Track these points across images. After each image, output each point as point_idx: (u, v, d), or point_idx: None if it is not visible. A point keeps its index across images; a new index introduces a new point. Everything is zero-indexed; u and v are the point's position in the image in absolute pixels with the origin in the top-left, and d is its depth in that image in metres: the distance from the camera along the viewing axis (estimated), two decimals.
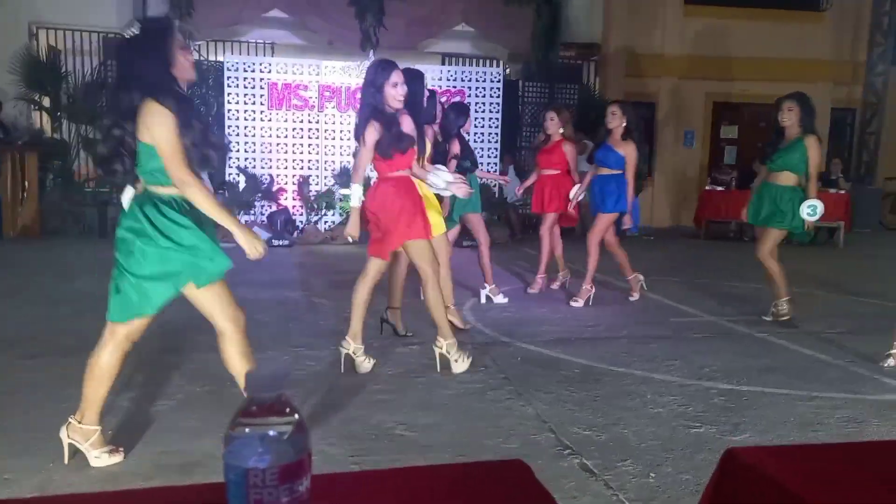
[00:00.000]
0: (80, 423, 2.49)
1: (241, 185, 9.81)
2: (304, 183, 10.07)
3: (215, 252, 2.51)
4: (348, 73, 10.16)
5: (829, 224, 10.30)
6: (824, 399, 3.39)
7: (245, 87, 9.88)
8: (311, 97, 10.07)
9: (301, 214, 10.07)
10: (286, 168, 10.12)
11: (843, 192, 10.82)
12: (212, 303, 2.56)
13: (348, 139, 10.24)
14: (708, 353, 4.20)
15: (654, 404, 3.28)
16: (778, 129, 4.96)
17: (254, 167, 9.96)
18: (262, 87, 9.92)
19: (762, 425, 3.04)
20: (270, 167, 10.06)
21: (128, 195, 2.45)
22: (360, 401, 3.28)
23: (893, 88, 13.36)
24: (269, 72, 9.95)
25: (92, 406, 2.50)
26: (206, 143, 2.38)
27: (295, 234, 9.61)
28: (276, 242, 9.07)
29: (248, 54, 10.72)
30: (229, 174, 9.86)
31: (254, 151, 9.99)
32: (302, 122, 10.10)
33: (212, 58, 10.71)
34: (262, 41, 10.98)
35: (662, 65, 12.66)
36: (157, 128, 2.27)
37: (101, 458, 2.51)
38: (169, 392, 3.37)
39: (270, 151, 10.06)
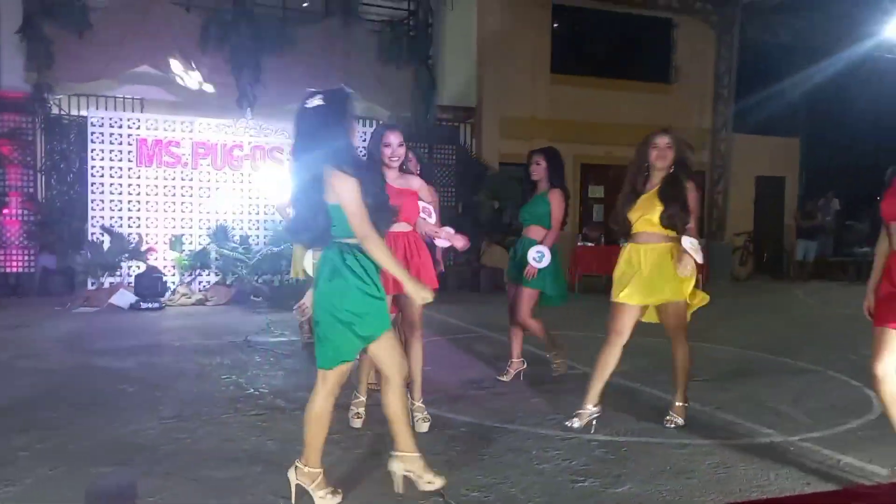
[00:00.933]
0: (305, 466, 2.74)
1: (106, 245, 9.21)
2: (176, 242, 9.61)
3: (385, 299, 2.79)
4: (224, 130, 9.93)
5: None
6: (695, 446, 3.56)
7: (111, 143, 9.40)
8: (183, 154, 9.72)
9: (173, 275, 9.57)
10: (156, 226, 9.64)
11: None
12: (385, 350, 2.77)
13: (223, 196, 9.93)
14: None
15: (539, 460, 3.31)
16: (530, 182, 4.92)
17: (120, 226, 9.40)
18: (129, 144, 9.47)
19: (642, 476, 3.14)
20: (139, 226, 9.54)
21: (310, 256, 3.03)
22: (236, 473, 3.08)
23: (736, 152, 14.76)
24: (139, 128, 9.54)
25: (313, 451, 2.75)
26: (378, 201, 2.71)
27: (166, 295, 9.09)
28: (144, 305, 8.53)
29: (116, 109, 10.24)
30: (92, 233, 9.25)
31: (120, 209, 9.45)
32: (174, 179, 9.70)
33: (75, 112, 10.12)
34: (130, 96, 10.53)
35: (534, 128, 13.32)
36: (345, 193, 2.59)
37: (325, 498, 2.74)
38: (12, 477, 3.01)
39: (139, 210, 9.55)
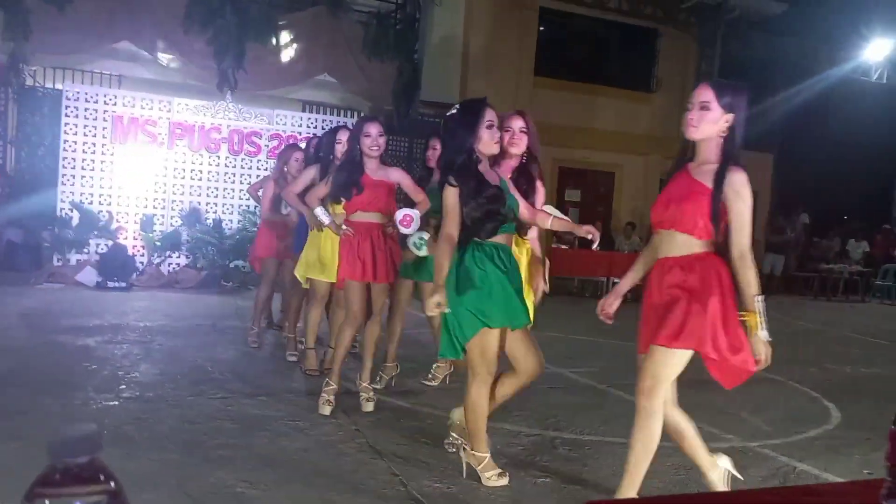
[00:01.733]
0: (471, 450, 2.94)
1: (75, 221, 9.04)
2: (147, 222, 9.47)
3: (508, 302, 2.81)
4: (202, 112, 9.80)
5: None
6: (658, 448, 3.59)
7: (86, 118, 9.22)
8: (160, 134, 9.58)
9: (142, 255, 9.43)
10: (128, 205, 9.49)
11: None
12: (514, 347, 2.92)
13: (198, 179, 9.82)
14: (554, 404, 4.35)
15: (503, 455, 3.33)
16: (427, 170, 4.58)
17: (90, 203, 9.23)
18: (105, 120, 9.31)
19: (603, 474, 3.17)
20: (110, 203, 9.38)
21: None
22: (198, 457, 3.05)
23: None
24: (115, 104, 9.37)
25: (474, 437, 2.93)
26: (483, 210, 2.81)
27: (134, 276, 8.95)
28: (110, 284, 8.39)
29: (93, 84, 10.05)
30: (61, 209, 9.07)
31: (91, 186, 9.28)
32: (149, 158, 9.55)
33: (50, 84, 9.91)
34: (108, 72, 10.34)
35: None
36: (445, 198, 2.80)
37: (491, 479, 2.91)
38: None
39: (111, 187, 9.39)
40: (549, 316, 9.42)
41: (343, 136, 4.17)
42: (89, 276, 8.60)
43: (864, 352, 7.46)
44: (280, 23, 10.73)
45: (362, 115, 11.70)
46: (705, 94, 2.42)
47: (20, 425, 3.29)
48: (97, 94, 9.38)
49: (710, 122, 2.42)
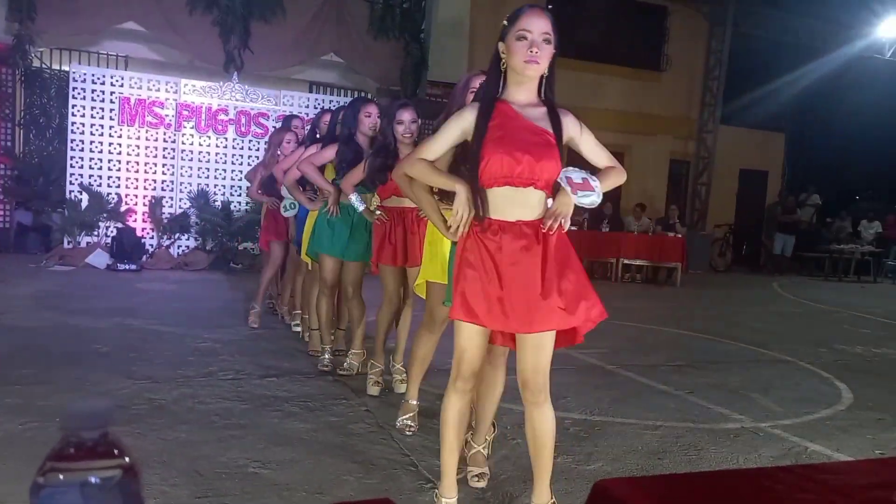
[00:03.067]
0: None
1: (84, 204, 9.06)
2: (155, 204, 9.49)
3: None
4: (209, 93, 9.77)
5: (668, 265, 11.22)
6: (667, 428, 3.60)
7: (93, 100, 9.21)
8: (167, 115, 9.56)
9: (151, 237, 9.45)
10: (136, 188, 9.50)
11: (679, 236, 11.79)
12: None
13: (206, 161, 9.81)
14: (563, 384, 4.34)
15: (513, 435, 3.33)
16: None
17: (99, 185, 9.25)
18: (112, 102, 9.29)
19: (613, 454, 3.17)
20: (119, 186, 9.39)
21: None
22: (208, 436, 3.06)
23: (722, 144, 14.85)
24: (122, 85, 9.35)
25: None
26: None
27: (144, 258, 8.98)
28: (121, 266, 8.43)
29: (99, 65, 10.03)
30: (70, 191, 9.09)
31: (100, 168, 9.29)
32: (156, 140, 9.55)
33: (56, 66, 9.90)
34: (114, 53, 10.31)
35: None
36: None
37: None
38: None
39: (119, 169, 9.40)
40: None
41: (373, 110, 3.98)
42: (100, 258, 8.64)
43: (875, 332, 7.42)
44: (285, 2, 10.64)
45: (366, 95, 11.69)
46: (545, 24, 2.14)
47: (32, 401, 3.31)
48: (104, 76, 9.37)
49: (548, 58, 2.16)
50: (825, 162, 19.36)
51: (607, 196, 2.41)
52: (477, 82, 2.88)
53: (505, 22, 2.20)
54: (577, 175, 2.24)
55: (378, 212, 3.80)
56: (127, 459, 0.59)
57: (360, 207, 3.91)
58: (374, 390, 3.87)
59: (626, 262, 11.29)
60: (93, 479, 0.58)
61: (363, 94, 11.62)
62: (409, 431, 3.27)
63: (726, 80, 14.64)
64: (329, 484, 2.64)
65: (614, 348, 5.47)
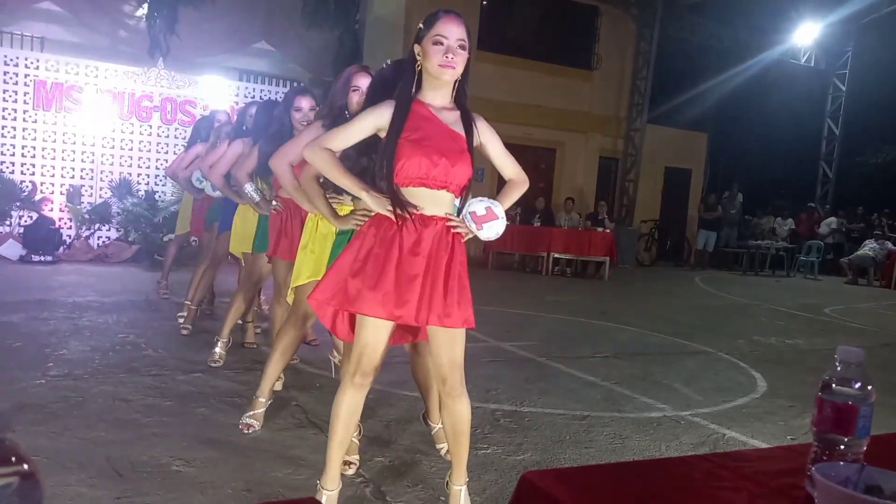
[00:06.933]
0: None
1: None
2: (74, 193, 9.06)
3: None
4: (133, 78, 9.39)
5: (597, 259, 11.50)
6: (594, 418, 3.69)
7: (5, 83, 8.71)
8: (86, 100, 9.13)
9: (69, 228, 9.03)
10: (53, 176, 9.05)
11: (608, 231, 12.09)
12: None
13: (129, 148, 9.44)
14: (494, 376, 4.40)
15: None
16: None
17: (12, 172, 8.77)
18: (26, 84, 8.81)
19: (542, 445, 3.23)
20: (33, 173, 8.92)
21: None
22: (129, 435, 2.95)
23: (648, 142, 15.29)
24: (37, 68, 8.88)
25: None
26: None
27: (61, 249, 8.57)
28: (35, 258, 8.02)
29: (13, 46, 9.49)
30: None
31: (12, 154, 8.80)
32: (75, 126, 9.11)
33: None
34: (29, 34, 9.77)
35: None
36: None
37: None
38: None
39: (34, 156, 8.93)
40: (490, 290, 9.51)
41: (304, 104, 3.57)
42: (12, 249, 8.20)
43: (787, 324, 7.81)
44: None
45: (299, 84, 11.48)
46: (461, 30, 2.13)
47: None
48: (17, 58, 8.87)
49: (463, 63, 2.15)
50: (745, 161, 20.25)
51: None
52: (361, 80, 2.84)
53: (421, 25, 2.17)
54: (479, 206, 2.28)
55: (274, 202, 3.62)
56: (25, 466, 0.56)
57: (256, 198, 3.75)
58: (278, 385, 3.61)
59: (556, 255, 11.51)
60: None
61: (296, 84, 11.42)
62: (248, 431, 3.08)
63: (654, 81, 15.08)
64: (256, 482, 2.59)
65: (544, 340, 5.57)
